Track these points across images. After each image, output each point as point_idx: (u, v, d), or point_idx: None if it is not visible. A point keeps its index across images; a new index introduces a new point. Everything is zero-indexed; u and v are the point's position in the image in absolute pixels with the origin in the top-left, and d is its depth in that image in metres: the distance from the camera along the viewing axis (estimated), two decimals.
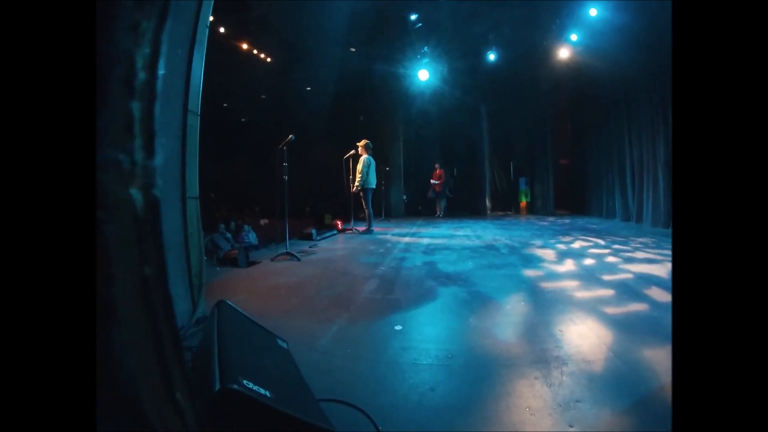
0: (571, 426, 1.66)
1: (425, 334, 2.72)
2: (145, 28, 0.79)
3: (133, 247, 0.74)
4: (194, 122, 2.98)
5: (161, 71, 0.82)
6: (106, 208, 0.71)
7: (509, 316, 3.04)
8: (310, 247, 6.61)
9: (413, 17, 10.66)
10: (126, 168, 0.75)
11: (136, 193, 0.75)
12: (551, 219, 11.64)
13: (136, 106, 0.77)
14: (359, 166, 8.21)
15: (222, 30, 10.56)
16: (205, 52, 3.07)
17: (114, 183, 0.73)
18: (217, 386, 1.18)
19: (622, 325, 2.76)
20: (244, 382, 1.23)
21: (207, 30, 3.08)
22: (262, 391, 1.26)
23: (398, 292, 3.73)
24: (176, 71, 2.82)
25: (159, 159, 0.79)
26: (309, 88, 13.50)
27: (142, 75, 0.78)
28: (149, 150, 0.79)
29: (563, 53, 10.65)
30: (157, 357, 0.78)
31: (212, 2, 3.13)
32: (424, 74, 11.87)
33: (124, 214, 0.74)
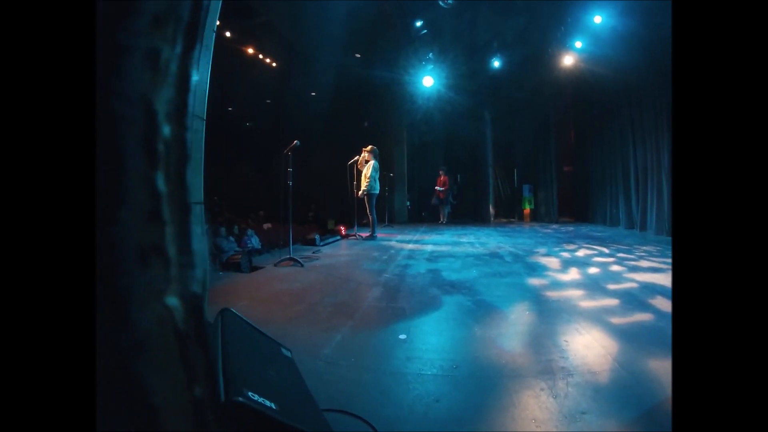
0: None
1: (430, 343, 2.71)
2: (168, 58, 0.58)
3: (179, 369, 0.58)
4: (200, 127, 2.99)
5: (190, 120, 0.59)
6: (138, 341, 0.54)
7: (514, 326, 3.02)
8: (313, 252, 6.60)
9: (418, 24, 10.69)
10: (158, 274, 0.56)
11: (173, 301, 0.58)
12: (555, 226, 11.61)
13: (161, 179, 0.57)
14: (368, 171, 8.16)
15: (228, 34, 10.62)
16: (211, 57, 3.07)
17: (143, 303, 0.54)
18: (222, 398, 1.17)
19: (627, 336, 2.74)
20: (249, 393, 1.22)
21: (214, 34, 3.09)
22: (268, 403, 1.25)
23: (402, 301, 3.71)
24: None
25: (199, 244, 0.60)
26: (313, 94, 13.55)
27: (166, 129, 0.57)
28: (185, 237, 0.59)
29: (567, 60, 10.65)
30: None
31: (219, 5, 3.14)
32: (428, 81, 11.88)
33: (163, 337, 0.57)
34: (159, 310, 0.55)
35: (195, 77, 0.59)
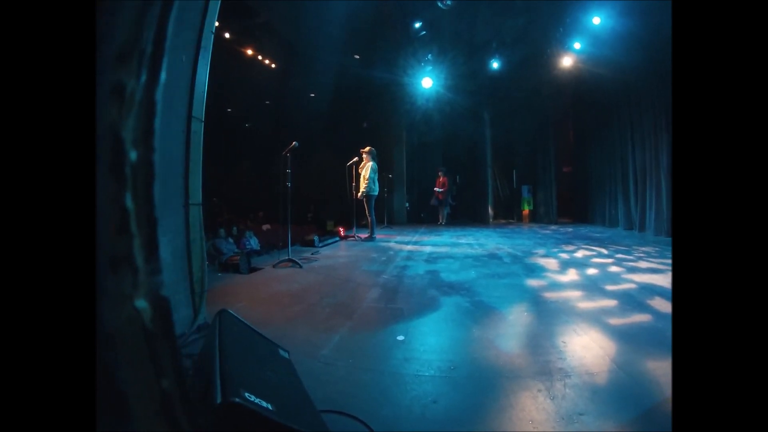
0: None
1: (428, 344, 2.71)
2: (133, 89, 0.64)
3: (147, 364, 0.65)
4: (198, 129, 2.99)
5: (158, 141, 0.67)
6: (108, 336, 0.62)
7: (512, 327, 3.02)
8: (312, 253, 6.60)
9: (417, 25, 10.70)
10: (127, 280, 0.64)
11: (142, 304, 0.65)
12: (554, 227, 11.61)
13: (129, 198, 0.64)
14: (366, 173, 8.17)
15: (227, 35, 10.62)
16: (210, 58, 3.08)
17: (114, 304, 0.62)
18: (219, 399, 1.17)
19: (625, 336, 2.74)
20: (246, 394, 1.23)
21: (212, 36, 3.09)
22: (264, 403, 1.25)
23: (401, 302, 3.72)
24: (181, 77, 2.82)
25: (165, 252, 0.68)
26: (313, 95, 13.55)
27: (133, 154, 0.64)
28: (151, 247, 0.67)
29: (566, 61, 10.66)
30: None
31: (218, 7, 3.14)
32: (427, 82, 11.89)
33: (133, 334, 0.64)
34: (129, 311, 0.62)
35: (159, 102, 0.66)
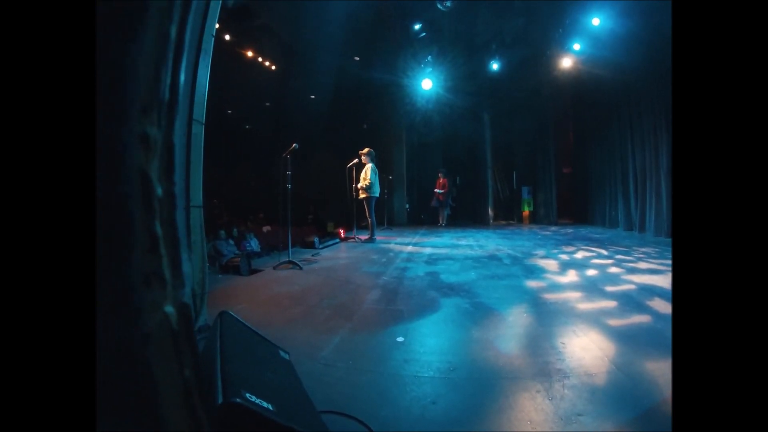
0: None
1: (427, 345, 2.72)
2: (155, 137, 0.78)
3: (173, 357, 0.79)
4: (199, 131, 2.99)
5: (177, 176, 0.81)
6: (145, 335, 0.75)
7: (512, 328, 3.03)
8: (312, 255, 6.61)
9: (417, 27, 10.72)
10: (158, 290, 0.78)
11: (169, 309, 0.79)
12: (554, 228, 11.62)
13: (158, 225, 0.78)
14: (366, 174, 8.19)
15: (227, 37, 10.65)
16: (210, 61, 3.09)
17: (149, 311, 0.76)
18: (220, 399, 1.19)
19: (624, 337, 2.75)
20: (247, 395, 1.24)
21: (212, 39, 3.10)
22: (264, 404, 1.26)
23: (401, 303, 3.73)
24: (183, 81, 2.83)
25: (187, 266, 0.79)
26: (313, 96, 13.58)
27: (159, 189, 0.78)
28: (176, 263, 0.81)
29: (566, 62, 10.68)
30: None
31: (219, 9, 3.15)
32: (427, 83, 11.91)
33: (163, 334, 0.78)
34: (160, 316, 0.76)
35: (177, 144, 0.81)
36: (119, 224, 0.74)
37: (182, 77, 0.84)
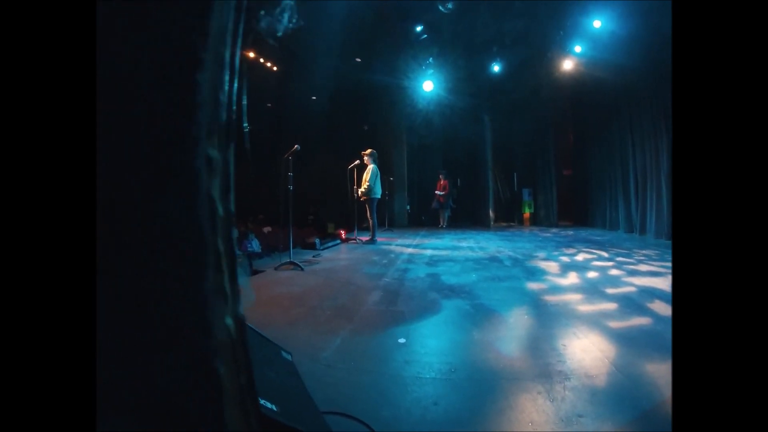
0: None
1: (428, 347, 2.73)
2: (217, 159, 0.85)
3: (233, 364, 0.87)
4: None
5: (232, 194, 0.89)
6: (216, 345, 0.84)
7: (512, 330, 3.04)
8: (313, 256, 6.62)
9: (418, 29, 10.73)
10: (222, 304, 0.85)
11: (229, 321, 0.87)
12: (554, 230, 11.62)
13: (221, 242, 0.85)
14: (367, 175, 8.20)
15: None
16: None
17: (217, 325, 0.84)
18: None
19: (625, 339, 2.76)
20: None
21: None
22: (268, 404, 1.27)
23: (402, 304, 3.74)
24: None
25: (242, 279, 0.87)
26: (314, 98, 13.58)
27: (220, 209, 0.85)
28: (234, 278, 0.88)
29: (567, 64, 10.69)
30: None
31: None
32: (428, 85, 11.91)
33: (226, 343, 0.86)
34: (224, 327, 0.85)
35: (231, 163, 0.89)
36: (196, 246, 0.82)
37: (234, 99, 0.92)
